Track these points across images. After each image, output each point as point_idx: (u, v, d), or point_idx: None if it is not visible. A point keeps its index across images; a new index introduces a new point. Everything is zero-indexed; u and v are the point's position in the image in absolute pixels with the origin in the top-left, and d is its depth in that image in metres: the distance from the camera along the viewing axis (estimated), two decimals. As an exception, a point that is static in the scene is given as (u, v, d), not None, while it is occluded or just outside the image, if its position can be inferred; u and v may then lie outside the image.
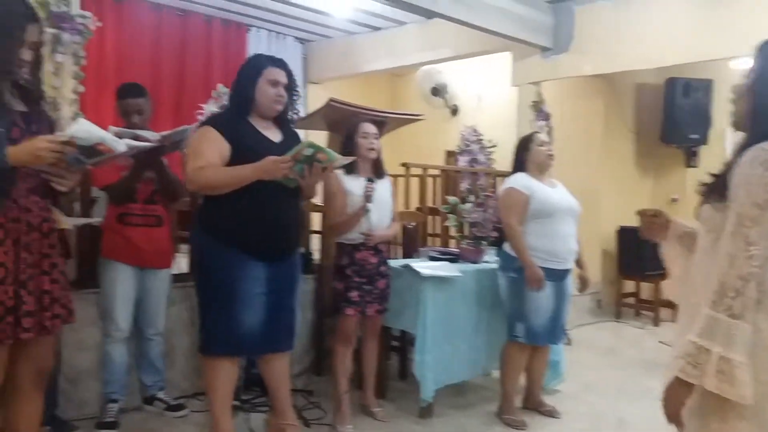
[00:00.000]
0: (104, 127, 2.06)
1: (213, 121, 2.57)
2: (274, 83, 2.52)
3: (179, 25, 6.40)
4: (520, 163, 3.40)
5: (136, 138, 2.60)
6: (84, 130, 1.85)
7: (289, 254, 2.64)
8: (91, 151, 1.89)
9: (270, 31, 7.04)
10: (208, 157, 2.42)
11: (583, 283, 3.51)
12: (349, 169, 3.13)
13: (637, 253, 6.18)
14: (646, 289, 6.58)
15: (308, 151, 2.37)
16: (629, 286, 6.55)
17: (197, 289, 2.62)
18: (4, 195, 1.85)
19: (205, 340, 2.58)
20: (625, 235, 6.31)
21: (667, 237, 1.86)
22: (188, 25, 6.45)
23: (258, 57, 2.67)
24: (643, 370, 4.45)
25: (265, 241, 2.51)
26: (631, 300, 6.53)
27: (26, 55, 1.91)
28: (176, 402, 3.28)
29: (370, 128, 3.20)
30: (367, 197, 3.01)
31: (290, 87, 2.59)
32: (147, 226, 3.08)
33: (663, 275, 6.07)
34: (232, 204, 2.44)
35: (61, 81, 3.14)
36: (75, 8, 3.18)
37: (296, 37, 7.26)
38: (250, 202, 2.44)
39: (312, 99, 7.36)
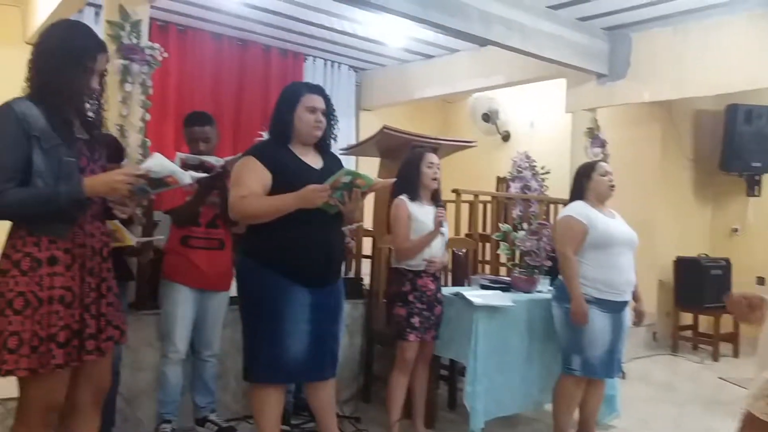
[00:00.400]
0: (170, 154, 2.16)
1: (254, 151, 2.59)
2: (312, 110, 2.55)
3: (239, 54, 6.62)
4: (579, 191, 3.34)
5: (201, 163, 2.72)
6: (159, 164, 1.94)
7: (333, 280, 2.65)
8: (159, 182, 1.98)
9: (326, 60, 7.21)
10: (250, 187, 2.46)
11: (639, 317, 3.41)
12: (412, 196, 3.21)
13: (695, 285, 5.99)
14: (704, 322, 6.34)
15: (346, 178, 2.40)
16: (686, 318, 6.33)
17: (242, 316, 2.64)
18: (73, 222, 1.93)
19: (249, 366, 2.58)
20: (683, 265, 6.13)
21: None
22: (247, 54, 6.67)
23: (295, 85, 2.72)
24: (702, 407, 4.28)
25: (309, 267, 2.51)
26: (688, 333, 6.31)
27: (95, 83, 2.00)
28: (227, 424, 3.31)
29: (434, 158, 3.29)
30: (440, 223, 3.10)
31: (328, 112, 2.62)
32: (209, 249, 3.16)
33: (723, 308, 5.89)
34: (275, 230, 2.46)
35: (129, 109, 3.29)
36: (144, 40, 3.34)
37: (350, 66, 7.41)
38: (294, 228, 2.45)
39: (364, 126, 7.48)
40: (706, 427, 3.86)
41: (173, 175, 1.97)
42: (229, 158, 2.94)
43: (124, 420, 3.14)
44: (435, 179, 3.25)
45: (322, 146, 2.66)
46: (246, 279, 2.60)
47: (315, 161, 2.61)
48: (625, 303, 3.25)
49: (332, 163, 2.64)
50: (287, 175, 2.48)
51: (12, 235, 1.92)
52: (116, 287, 2.13)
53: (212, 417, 3.30)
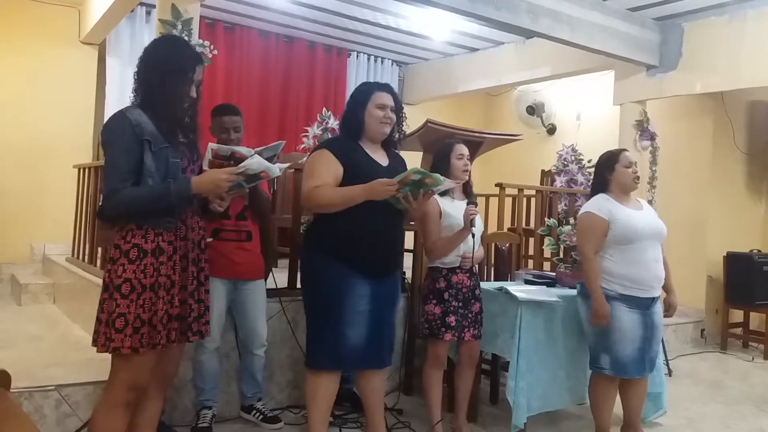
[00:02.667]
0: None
1: (328, 144, 2.75)
2: (382, 107, 2.67)
3: (285, 50, 6.73)
4: (602, 184, 3.20)
5: (232, 154, 2.78)
6: (256, 162, 2.16)
7: (393, 272, 2.77)
8: (254, 177, 2.19)
9: (369, 55, 7.25)
10: (323, 178, 2.59)
11: (669, 309, 3.28)
12: (443, 191, 3.15)
13: (746, 281, 5.81)
14: (755, 320, 6.16)
15: (416, 176, 2.49)
16: (737, 315, 6.15)
17: (305, 304, 2.78)
18: (177, 217, 2.16)
19: (311, 353, 2.71)
20: (734, 261, 5.95)
21: None
22: (293, 50, 6.77)
23: (366, 84, 2.83)
24: (753, 407, 4.17)
25: (371, 259, 2.64)
26: (738, 330, 6.13)
27: (194, 92, 2.20)
28: (272, 414, 3.38)
29: (464, 149, 3.21)
30: (471, 221, 3.03)
31: (397, 110, 2.74)
32: (239, 240, 3.23)
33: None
34: (341, 222, 2.58)
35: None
36: (195, 38, 3.43)
37: (394, 60, 7.45)
38: (359, 221, 2.57)
39: (407, 120, 7.47)
40: (757, 427, 3.77)
41: (267, 170, 2.19)
42: (259, 149, 2.98)
43: (172, 408, 3.24)
44: (465, 171, 3.18)
45: (388, 145, 2.80)
46: (309, 269, 2.72)
47: (382, 159, 2.74)
48: (654, 299, 3.12)
49: (397, 162, 2.80)
50: (357, 169, 2.60)
51: (122, 228, 2.13)
52: None
53: (258, 405, 3.38)
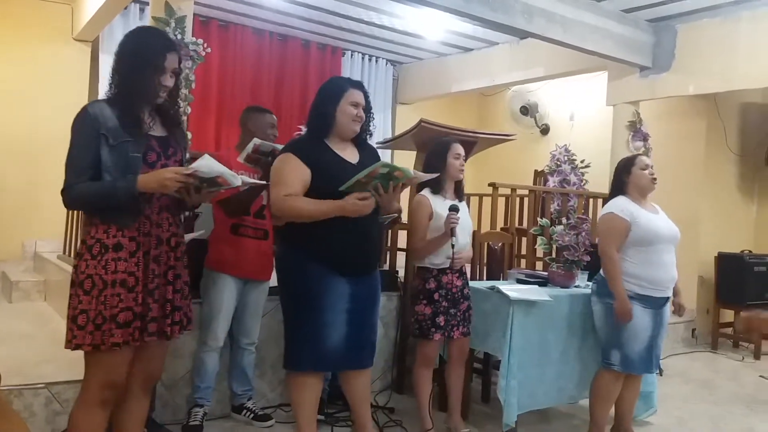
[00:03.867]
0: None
1: (292, 147, 2.63)
2: (355, 105, 2.61)
3: (279, 49, 6.72)
4: (620, 187, 3.29)
5: (273, 151, 2.80)
6: (206, 165, 2.03)
7: (371, 270, 2.71)
8: (211, 182, 2.09)
9: (363, 54, 7.25)
10: (292, 185, 2.51)
11: (679, 310, 3.37)
12: (435, 189, 3.16)
13: (737, 282, 5.86)
14: (747, 320, 6.21)
15: (383, 170, 2.43)
16: (728, 315, 6.20)
17: (282, 305, 2.71)
18: (138, 213, 2.08)
19: (290, 355, 2.63)
20: (725, 261, 5.99)
21: None
22: (287, 49, 6.77)
23: (338, 79, 2.77)
24: (743, 406, 4.20)
25: (348, 257, 2.57)
26: (729, 330, 6.17)
27: (168, 81, 2.12)
28: (263, 412, 3.38)
29: (461, 149, 3.22)
30: (452, 230, 2.98)
31: (367, 108, 2.67)
32: (257, 238, 3.24)
33: (766, 305, 5.73)
34: (316, 221, 2.51)
35: (173, 103, 3.37)
36: (188, 36, 3.42)
37: (388, 60, 7.45)
38: (333, 219, 2.50)
39: (400, 119, 7.51)
40: (747, 427, 3.79)
41: (222, 176, 2.07)
42: None
43: (163, 405, 3.24)
44: (461, 170, 3.20)
45: (358, 140, 2.71)
46: (287, 269, 2.65)
47: (352, 155, 2.66)
48: (667, 299, 3.22)
49: (369, 156, 2.69)
50: (325, 170, 2.53)
51: (87, 223, 2.11)
52: (186, 276, 2.26)
53: (248, 404, 3.38)
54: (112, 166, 2.03)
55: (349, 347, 2.58)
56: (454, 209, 3.02)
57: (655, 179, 3.26)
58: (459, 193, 3.26)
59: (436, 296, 3.11)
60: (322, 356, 2.57)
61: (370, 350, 2.72)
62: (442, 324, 3.11)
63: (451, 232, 2.99)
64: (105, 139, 2.02)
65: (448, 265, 3.11)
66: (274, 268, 2.75)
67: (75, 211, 4.65)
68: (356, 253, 2.60)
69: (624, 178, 3.27)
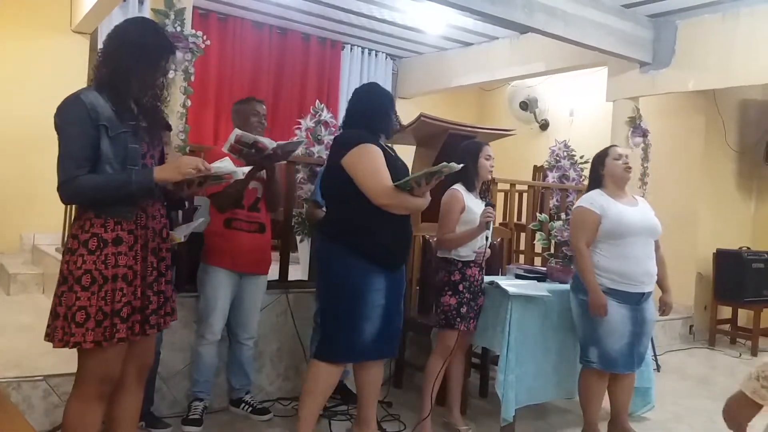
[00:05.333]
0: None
1: (368, 138, 2.68)
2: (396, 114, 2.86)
3: (278, 42, 6.70)
4: (596, 180, 3.27)
5: (255, 143, 2.83)
6: (224, 166, 2.14)
7: (405, 263, 2.83)
8: (217, 178, 2.17)
9: (363, 48, 7.24)
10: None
11: (664, 308, 3.34)
12: (468, 186, 3.24)
13: (735, 278, 5.87)
14: (743, 316, 6.23)
15: (436, 168, 2.56)
16: (725, 312, 6.21)
17: (321, 298, 2.81)
18: (136, 206, 2.06)
19: (328, 346, 2.69)
20: (723, 258, 6.00)
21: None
22: (286, 42, 6.74)
23: (389, 92, 2.95)
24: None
25: (392, 252, 2.68)
26: (726, 327, 6.19)
27: (159, 81, 2.14)
28: (261, 405, 3.39)
29: (492, 151, 3.32)
30: (487, 224, 3.07)
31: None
32: (251, 231, 3.23)
33: (764, 302, 5.75)
34: (361, 215, 2.60)
35: (171, 96, 3.34)
36: (188, 28, 3.39)
37: (388, 54, 7.43)
38: (377, 214, 2.59)
39: (400, 114, 7.43)
40: (744, 424, 3.80)
41: (231, 173, 2.18)
42: (281, 143, 3.00)
43: (161, 398, 3.24)
44: (491, 171, 3.30)
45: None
46: (330, 263, 2.70)
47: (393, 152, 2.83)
48: (644, 294, 3.15)
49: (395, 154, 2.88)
50: (389, 164, 2.64)
51: (80, 217, 2.05)
52: (172, 267, 2.26)
53: (246, 398, 3.38)
54: (113, 157, 1.99)
55: (380, 339, 2.67)
56: (490, 205, 3.13)
57: (629, 168, 3.23)
58: (484, 193, 3.36)
59: (461, 287, 3.18)
60: (356, 348, 2.66)
61: (396, 339, 2.83)
62: (465, 314, 3.18)
63: (486, 226, 3.07)
64: (105, 130, 1.98)
65: (473, 258, 3.18)
66: (319, 261, 2.82)
67: (73, 206, 4.64)
68: (399, 248, 2.72)
69: (600, 171, 3.26)
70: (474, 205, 3.18)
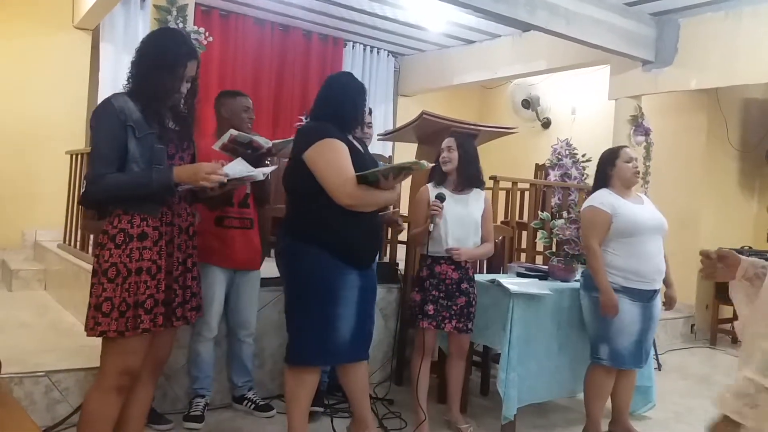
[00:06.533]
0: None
1: (332, 133, 2.54)
2: (367, 112, 2.79)
3: (280, 39, 6.69)
4: (603, 179, 3.28)
5: (250, 142, 2.80)
6: (241, 169, 2.22)
7: (374, 261, 2.72)
8: (239, 180, 2.25)
9: (365, 45, 7.23)
10: (351, 171, 2.46)
11: (670, 302, 3.36)
12: (438, 181, 3.20)
13: (738, 278, 5.85)
14: (746, 316, 6.21)
15: (405, 164, 2.48)
16: (726, 311, 6.20)
17: (289, 298, 2.62)
18: (163, 203, 2.17)
19: (297, 350, 2.56)
20: (726, 258, 5.98)
21: (735, 277, 1.62)
22: (288, 39, 6.74)
23: (361, 83, 2.75)
24: (742, 403, 4.20)
25: (363, 249, 2.59)
26: (727, 326, 6.18)
27: (184, 88, 2.23)
28: (264, 402, 3.39)
29: (449, 141, 3.25)
30: (431, 216, 3.02)
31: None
32: (242, 228, 3.23)
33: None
34: (329, 213, 2.48)
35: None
36: (190, 24, 3.40)
37: (390, 51, 7.42)
38: (348, 212, 2.47)
39: (402, 111, 7.49)
40: (745, 423, 3.80)
41: (250, 175, 2.25)
42: (276, 141, 2.98)
43: (163, 395, 3.24)
44: (444, 162, 3.20)
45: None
46: (297, 262, 2.55)
47: (361, 146, 2.74)
48: (654, 292, 3.18)
49: (364, 146, 2.80)
50: (355, 160, 2.53)
51: (110, 214, 2.16)
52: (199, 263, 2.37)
53: (249, 395, 3.39)
54: (140, 157, 2.10)
55: (353, 340, 2.56)
56: (439, 197, 3.07)
57: (638, 172, 3.26)
58: (462, 185, 3.23)
59: (426, 284, 3.14)
60: (330, 350, 2.52)
61: (370, 342, 2.71)
62: (430, 313, 3.11)
63: (431, 220, 3.03)
64: (132, 131, 2.09)
65: (442, 255, 3.13)
66: (278, 261, 2.66)
67: (75, 202, 4.65)
68: (369, 246, 2.64)
69: (608, 171, 3.26)
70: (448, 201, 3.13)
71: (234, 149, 2.91)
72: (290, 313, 2.60)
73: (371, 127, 3.62)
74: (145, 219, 2.13)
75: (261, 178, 2.29)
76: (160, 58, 2.15)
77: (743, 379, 1.26)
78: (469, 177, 3.23)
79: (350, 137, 2.64)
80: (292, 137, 3.02)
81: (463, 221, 3.17)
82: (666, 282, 3.31)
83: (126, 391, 2.18)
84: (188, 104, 2.28)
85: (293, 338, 2.58)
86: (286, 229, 2.63)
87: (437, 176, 3.20)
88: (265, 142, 2.91)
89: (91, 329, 2.10)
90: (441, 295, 3.12)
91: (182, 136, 2.26)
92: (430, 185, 3.23)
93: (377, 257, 2.77)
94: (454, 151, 3.21)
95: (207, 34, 3.48)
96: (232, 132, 2.82)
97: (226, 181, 2.16)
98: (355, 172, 2.45)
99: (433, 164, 2.83)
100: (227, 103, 3.31)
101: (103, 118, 2.11)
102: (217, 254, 3.16)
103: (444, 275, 3.13)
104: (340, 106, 2.62)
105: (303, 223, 2.56)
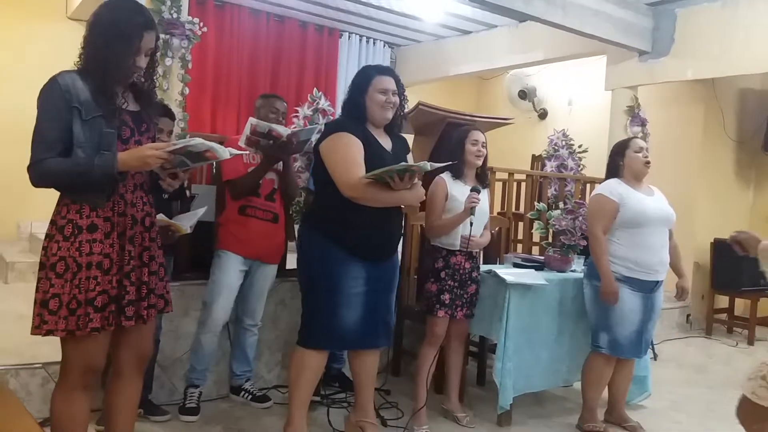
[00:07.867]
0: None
1: (346, 127, 2.63)
2: (384, 91, 2.64)
3: (275, 29, 6.65)
4: (614, 169, 3.30)
5: (269, 131, 2.83)
6: (198, 141, 1.96)
7: (390, 255, 2.78)
8: (198, 156, 2.01)
9: (361, 36, 7.19)
10: (360, 164, 2.53)
11: (682, 293, 3.38)
12: (455, 174, 3.21)
13: (733, 268, 5.87)
14: (740, 306, 6.25)
15: (404, 166, 2.50)
16: (722, 301, 6.23)
17: (301, 284, 2.79)
18: (112, 192, 1.98)
19: (305, 331, 2.70)
20: (721, 247, 6.00)
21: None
22: (284, 30, 6.69)
23: (367, 68, 2.79)
24: (736, 391, 4.14)
25: (370, 245, 2.65)
26: (723, 316, 6.21)
27: (142, 62, 2.02)
28: (261, 393, 3.40)
29: (480, 136, 3.27)
30: (471, 209, 3.04)
31: (399, 93, 2.71)
32: (265, 220, 3.26)
33: (760, 292, 5.76)
34: (342, 208, 2.57)
35: (169, 84, 3.34)
36: (184, 15, 3.37)
37: (386, 42, 7.39)
38: (360, 207, 2.56)
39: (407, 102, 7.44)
40: (740, 411, 3.82)
41: (211, 150, 1.99)
42: (294, 130, 3.02)
43: (160, 386, 3.25)
44: (479, 156, 3.23)
45: (390, 128, 2.76)
46: (307, 249, 2.71)
47: (386, 142, 2.72)
48: (656, 283, 3.20)
49: (401, 145, 2.80)
50: (370, 153, 2.58)
51: (59, 203, 2.00)
52: (161, 257, 2.16)
53: (247, 386, 3.40)
54: (86, 141, 1.91)
55: (363, 327, 2.66)
56: (476, 190, 3.09)
57: (648, 162, 3.26)
58: (481, 180, 3.30)
59: (442, 275, 3.17)
60: (335, 335, 2.65)
61: (385, 330, 2.80)
62: (447, 302, 3.17)
63: (471, 211, 3.04)
64: (78, 113, 1.91)
65: (458, 247, 3.17)
66: (298, 247, 2.80)
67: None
68: (378, 242, 2.67)
69: (619, 161, 3.29)
70: (458, 192, 3.16)
71: (256, 141, 2.93)
72: (303, 297, 2.76)
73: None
74: (94, 209, 1.95)
75: (226, 156, 2.01)
76: (112, 30, 1.93)
77: (760, 363, 1.33)
78: (485, 171, 3.34)
79: (370, 129, 2.67)
80: (313, 126, 3.05)
81: (480, 214, 3.20)
82: (678, 272, 3.35)
83: (92, 388, 2.05)
84: (148, 81, 2.07)
85: (303, 320, 2.73)
86: (304, 220, 2.84)
87: (453, 169, 3.20)
88: (284, 131, 2.95)
89: (36, 327, 1.93)
90: (456, 284, 3.19)
91: (140, 118, 2.06)
92: (445, 176, 3.22)
93: (393, 251, 2.79)
94: (485, 146, 3.27)
95: (202, 24, 3.45)
96: (252, 121, 2.85)
97: (172, 157, 1.95)
98: (371, 165, 2.52)
99: (438, 165, 2.83)
100: (259, 104, 3.39)
101: (47, 97, 1.91)
102: (236, 242, 3.20)
103: (458, 266, 3.20)
104: (346, 105, 2.74)
105: (318, 216, 2.71)
